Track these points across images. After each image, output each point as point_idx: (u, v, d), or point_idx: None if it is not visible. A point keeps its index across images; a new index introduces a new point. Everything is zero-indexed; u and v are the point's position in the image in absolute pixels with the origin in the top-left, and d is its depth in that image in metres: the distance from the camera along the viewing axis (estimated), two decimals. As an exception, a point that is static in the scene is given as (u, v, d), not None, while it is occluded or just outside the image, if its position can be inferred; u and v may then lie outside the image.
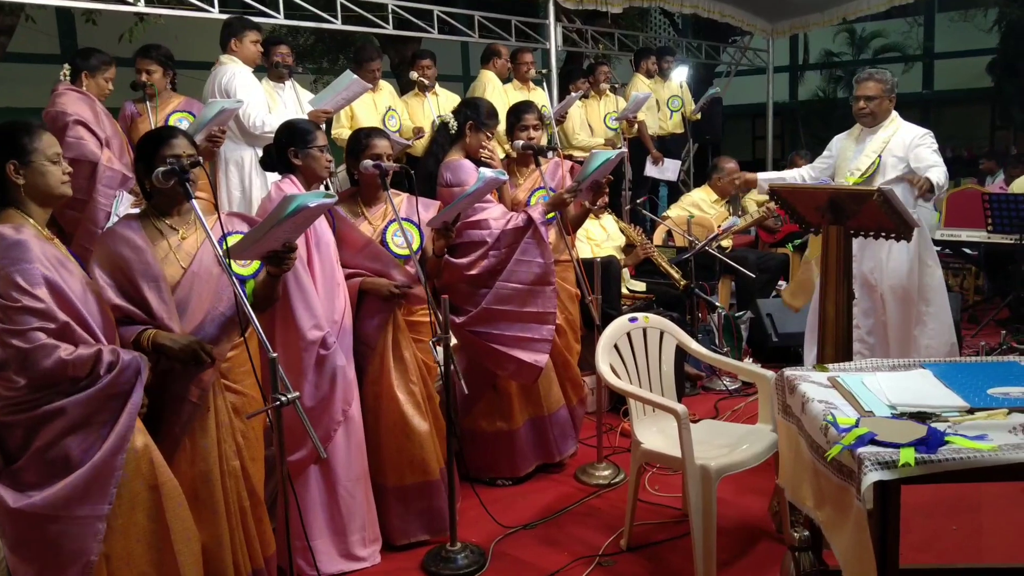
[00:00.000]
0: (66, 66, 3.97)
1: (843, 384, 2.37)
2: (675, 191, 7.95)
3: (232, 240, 2.30)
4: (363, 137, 3.08)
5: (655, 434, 3.15)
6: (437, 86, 5.90)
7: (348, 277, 3.00)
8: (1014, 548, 3.01)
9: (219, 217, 2.40)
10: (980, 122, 18.67)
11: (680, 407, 2.87)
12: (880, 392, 2.29)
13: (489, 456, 3.63)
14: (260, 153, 4.36)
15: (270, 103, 4.70)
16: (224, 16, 5.32)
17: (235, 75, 4.39)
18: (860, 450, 1.94)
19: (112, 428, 2.11)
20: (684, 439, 2.85)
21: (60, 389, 2.06)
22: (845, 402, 2.27)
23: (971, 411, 2.10)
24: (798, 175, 4.16)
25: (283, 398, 2.15)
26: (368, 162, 3.01)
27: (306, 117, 4.12)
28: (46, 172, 2.16)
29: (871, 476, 1.87)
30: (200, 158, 2.38)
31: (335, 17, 6.10)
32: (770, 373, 3.17)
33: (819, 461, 2.20)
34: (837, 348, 3.11)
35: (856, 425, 2.06)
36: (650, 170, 7.20)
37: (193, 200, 2.26)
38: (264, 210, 2.81)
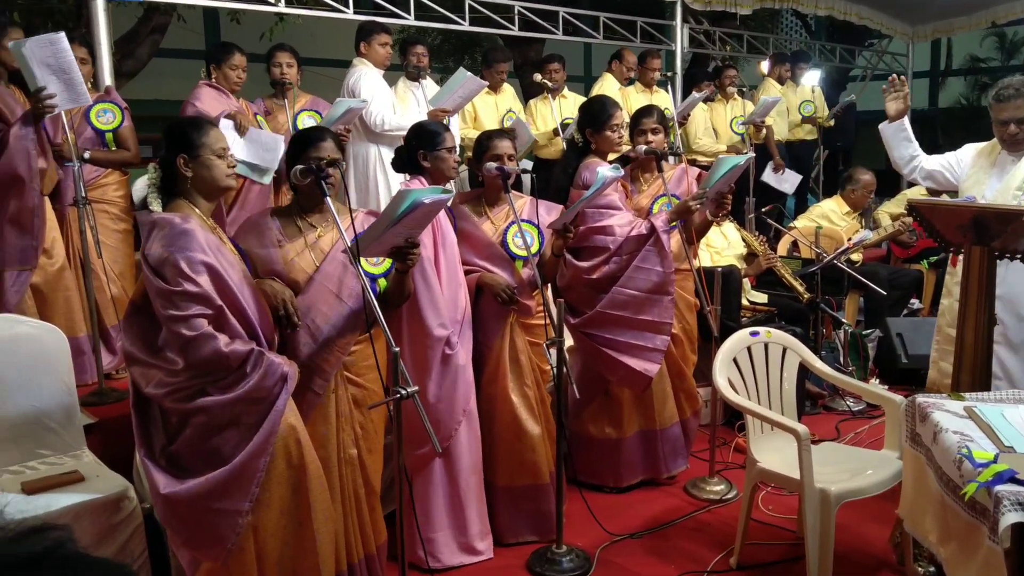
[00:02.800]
0: (204, 70, 4.23)
1: (981, 416, 2.24)
2: (803, 201, 7.67)
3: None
4: (487, 140, 3.12)
5: (772, 453, 3.05)
6: (565, 89, 5.91)
7: (466, 275, 3.05)
8: None
9: (351, 217, 2.49)
10: None
11: (801, 427, 2.77)
12: (1022, 426, 2.14)
13: (595, 462, 3.61)
14: (382, 150, 4.62)
15: (402, 103, 4.85)
16: (358, 17, 5.53)
17: (362, 76, 4.57)
18: (998, 488, 1.82)
19: (257, 430, 2.20)
20: (804, 461, 2.76)
21: (214, 378, 2.17)
22: (982, 435, 2.14)
23: None
24: (937, 163, 3.67)
25: (403, 391, 2.21)
26: (491, 164, 3.05)
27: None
28: (212, 166, 2.30)
29: (1010, 517, 1.76)
30: (335, 160, 2.47)
31: (463, 18, 6.21)
32: (899, 397, 3.03)
33: (948, 495, 2.08)
34: (975, 376, 2.92)
35: (994, 461, 1.94)
36: (768, 177, 6.97)
37: (328, 199, 2.36)
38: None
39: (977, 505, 1.90)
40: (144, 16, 6.45)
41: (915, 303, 6.06)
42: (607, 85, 6.13)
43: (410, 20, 5.96)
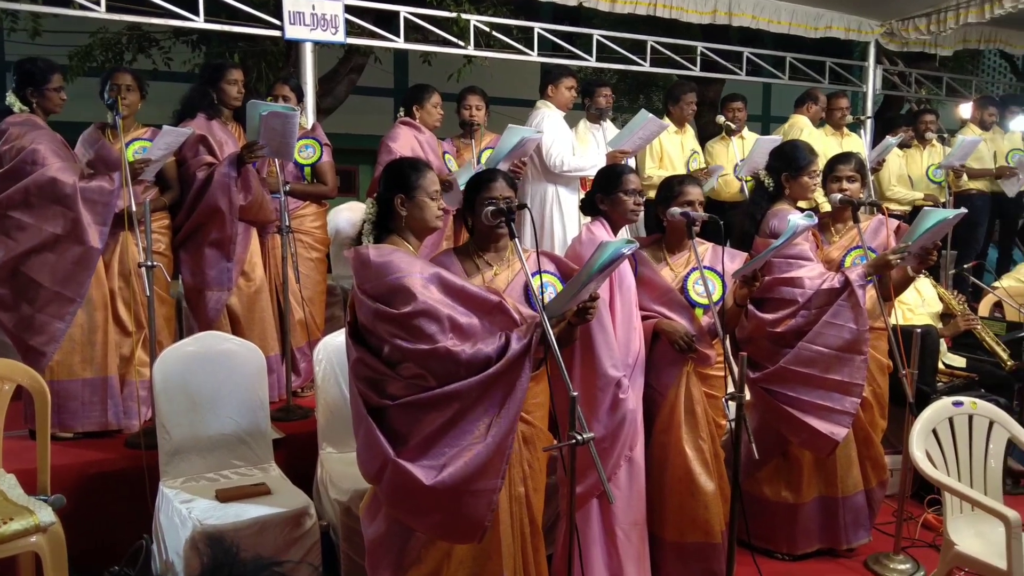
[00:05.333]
0: (401, 109, 4.44)
1: None
2: (1006, 257, 7.01)
3: (545, 278, 2.41)
4: (676, 184, 3.07)
5: (973, 537, 2.78)
6: (745, 130, 5.77)
7: (643, 319, 3.00)
8: None
9: (538, 254, 2.53)
10: None
11: (1012, 513, 2.51)
12: None
13: (768, 525, 3.41)
14: (560, 190, 4.68)
15: (582, 143, 4.90)
16: (542, 59, 5.67)
17: (544, 118, 4.67)
18: None
19: (503, 407, 2.28)
20: (1013, 550, 2.50)
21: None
22: None
23: None
24: None
25: (579, 437, 2.19)
26: (676, 209, 3.00)
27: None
28: (426, 207, 2.44)
29: None
30: (525, 203, 2.53)
31: (643, 59, 6.22)
32: None
33: None
34: None
35: None
36: (1011, 188, 6.34)
37: (516, 239, 2.41)
38: (575, 252, 2.91)
39: None
40: (344, 57, 6.93)
41: None
42: (801, 126, 5.91)
43: (592, 61, 6.05)
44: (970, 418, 2.98)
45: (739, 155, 5.50)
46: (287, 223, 3.73)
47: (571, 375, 2.74)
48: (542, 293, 2.51)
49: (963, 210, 3.16)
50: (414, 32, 5.60)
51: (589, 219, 3.09)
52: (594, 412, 2.76)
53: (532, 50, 5.75)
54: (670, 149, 5.46)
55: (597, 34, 6.05)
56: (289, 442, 3.52)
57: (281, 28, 4.80)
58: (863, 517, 3.44)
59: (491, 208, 2.49)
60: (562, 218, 4.60)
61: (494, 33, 5.76)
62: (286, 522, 2.77)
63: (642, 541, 2.94)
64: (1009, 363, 4.35)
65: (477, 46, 5.68)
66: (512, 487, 2.52)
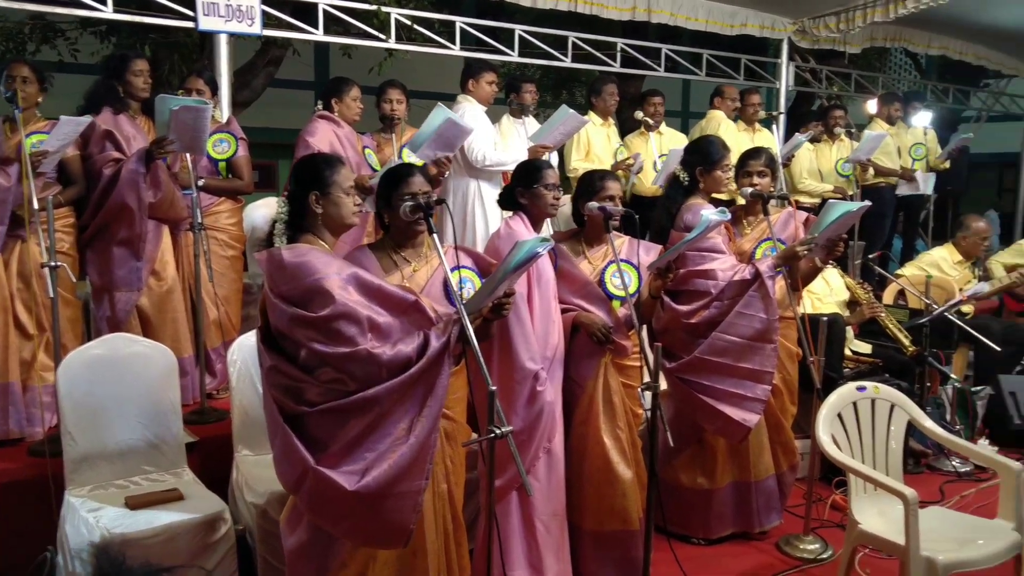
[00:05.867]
0: (319, 102, 4.36)
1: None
2: (909, 247, 7.35)
3: (463, 273, 2.41)
4: (597, 179, 3.11)
5: (875, 516, 2.90)
6: (663, 125, 5.88)
7: (563, 312, 3.04)
8: None
9: (456, 250, 2.53)
10: None
11: (909, 491, 2.64)
12: None
13: (684, 511, 3.51)
14: (481, 185, 4.68)
15: (504, 138, 4.91)
16: (464, 53, 5.65)
17: (466, 112, 4.66)
18: None
19: (424, 406, 2.26)
20: (911, 527, 2.62)
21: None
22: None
23: None
24: None
25: (497, 431, 2.20)
26: (594, 204, 3.04)
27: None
28: (341, 203, 2.38)
29: None
30: (443, 198, 2.52)
31: (565, 55, 6.27)
32: (1017, 464, 2.86)
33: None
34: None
35: None
36: (904, 189, 6.68)
37: (435, 235, 2.39)
38: (494, 247, 2.92)
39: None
40: (262, 49, 6.77)
41: (1031, 361, 5.69)
42: (718, 121, 6.06)
43: (514, 56, 6.05)
44: (873, 402, 3.11)
45: (657, 150, 5.61)
46: (200, 220, 3.62)
47: (490, 369, 2.74)
48: (461, 289, 2.51)
49: (867, 203, 3.30)
50: (334, 24, 5.51)
51: (510, 214, 3.10)
52: (512, 405, 2.78)
53: (454, 44, 5.73)
54: (596, 142, 5.53)
55: (519, 29, 6.07)
56: (203, 446, 3.43)
57: (194, 19, 4.65)
58: (775, 500, 3.56)
59: (409, 204, 2.46)
60: (484, 213, 4.61)
61: (416, 27, 5.71)
62: (199, 528, 2.70)
63: (562, 531, 2.97)
64: (911, 348, 4.57)
65: (399, 39, 5.62)
66: (435, 484, 2.51)
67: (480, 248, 3.77)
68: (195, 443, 3.39)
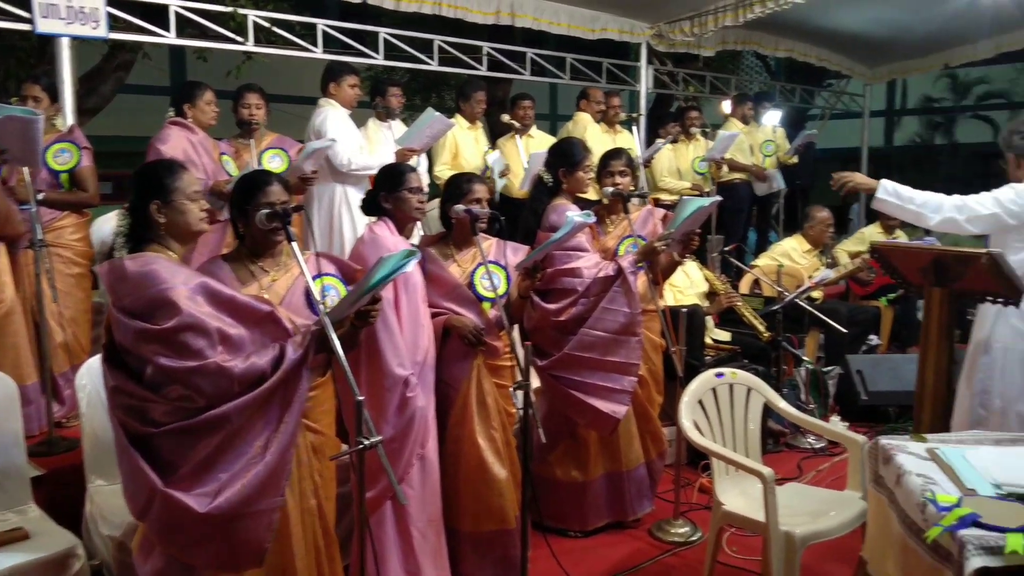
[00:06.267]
0: (171, 108, 4.17)
1: (943, 458, 2.26)
2: (764, 239, 7.79)
3: (326, 281, 2.36)
4: (464, 182, 3.13)
5: (738, 496, 3.05)
6: (533, 128, 5.96)
7: (433, 316, 3.03)
8: None
9: (316, 257, 2.47)
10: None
11: (767, 470, 2.78)
12: (984, 469, 2.16)
13: (560, 506, 3.58)
14: (348, 190, 4.60)
15: (371, 142, 4.84)
16: (327, 56, 5.54)
17: (327, 117, 4.57)
18: (962, 532, 1.84)
19: (280, 423, 2.19)
20: (769, 504, 2.76)
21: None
22: (945, 477, 2.16)
23: (1085, 496, 1.96)
24: (943, 203, 3.21)
25: (366, 441, 2.17)
26: (460, 207, 3.05)
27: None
28: (186, 210, 2.27)
29: (974, 561, 1.78)
30: (301, 205, 2.45)
31: (431, 58, 6.26)
32: (861, 437, 3.06)
33: (911, 538, 2.09)
34: (935, 417, 2.97)
35: (958, 504, 1.95)
36: (760, 189, 7.06)
37: (294, 243, 2.33)
38: (358, 253, 2.88)
39: (940, 549, 1.91)
40: (109, 53, 6.40)
41: (873, 339, 6.14)
42: (584, 124, 6.20)
43: (379, 60, 5.99)
44: (731, 387, 3.27)
45: (526, 154, 5.69)
46: (40, 236, 3.38)
47: (358, 378, 2.71)
48: (324, 297, 2.45)
49: (717, 197, 3.47)
50: (188, 27, 5.28)
51: (374, 219, 3.07)
52: (382, 413, 2.75)
53: (316, 47, 5.60)
54: (464, 146, 5.54)
55: (384, 32, 6.01)
56: (52, 478, 3.20)
57: (31, 21, 4.33)
58: (645, 488, 3.69)
59: (266, 212, 2.38)
60: (352, 218, 4.53)
61: (275, 29, 5.55)
62: (48, 567, 2.52)
63: (439, 537, 2.97)
64: (766, 334, 4.84)
65: (257, 42, 5.45)
66: (303, 500, 2.43)
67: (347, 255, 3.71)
68: (42, 476, 3.15)
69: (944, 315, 2.95)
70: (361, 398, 2.16)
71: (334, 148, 4.44)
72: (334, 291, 2.55)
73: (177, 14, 4.97)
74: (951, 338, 2.97)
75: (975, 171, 18.86)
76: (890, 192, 3.26)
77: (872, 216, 6.71)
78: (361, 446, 2.16)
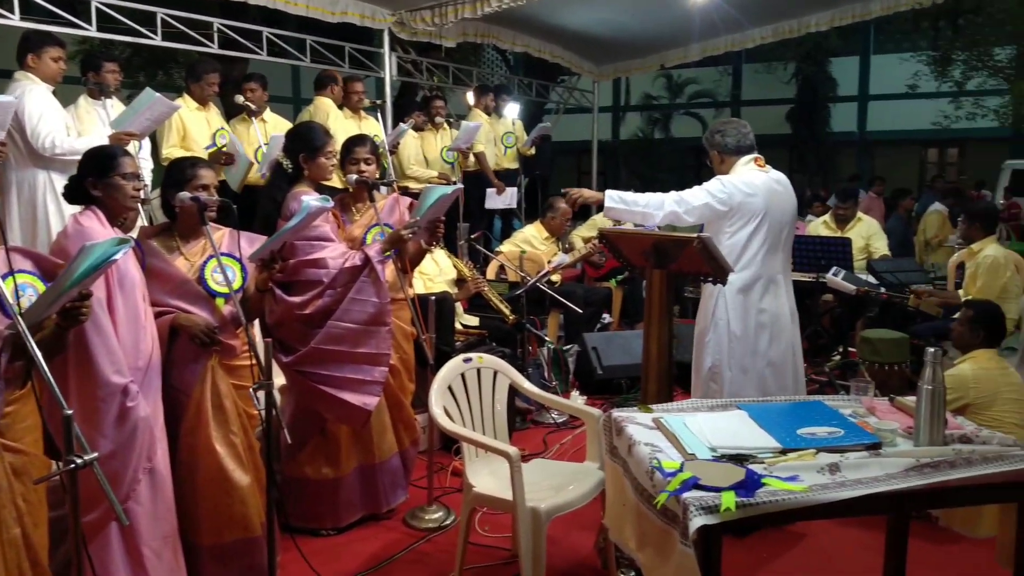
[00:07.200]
0: None
1: (667, 426, 2.45)
2: (508, 226, 8.08)
3: (20, 279, 2.05)
4: (187, 167, 2.87)
5: (487, 476, 3.12)
6: (267, 112, 5.67)
7: (158, 315, 2.77)
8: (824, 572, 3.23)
9: (7, 252, 2.13)
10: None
11: (512, 450, 2.86)
12: (701, 434, 2.38)
13: (312, 505, 3.46)
14: (53, 176, 4.07)
15: (82, 123, 4.31)
16: (25, 24, 4.85)
17: (27, 92, 4.02)
18: (685, 495, 2.00)
19: None
20: (516, 483, 2.84)
21: None
22: (669, 444, 2.35)
23: (783, 452, 2.23)
24: (664, 200, 3.51)
25: (79, 460, 1.92)
26: (185, 194, 2.80)
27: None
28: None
29: (696, 521, 1.93)
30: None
31: (155, 32, 5.72)
32: (597, 411, 3.25)
33: (643, 504, 2.25)
34: (660, 387, 3.24)
35: (680, 469, 2.13)
36: (492, 201, 7.27)
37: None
38: (60, 247, 2.52)
39: (669, 512, 2.07)
40: None
41: (606, 318, 6.64)
42: (326, 109, 5.99)
43: (92, 31, 5.35)
44: (479, 371, 3.33)
45: (261, 136, 5.41)
46: None
47: (66, 388, 2.40)
48: (19, 297, 2.13)
49: (460, 186, 3.52)
50: None
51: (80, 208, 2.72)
52: (98, 427, 2.45)
53: (13, 14, 4.88)
54: (193, 128, 5.15)
55: (96, 1, 5.38)
56: None
57: None
58: (400, 477, 3.67)
59: None
60: (59, 208, 4.01)
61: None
62: None
63: (175, 554, 2.72)
64: (511, 317, 5.02)
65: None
66: (4, 530, 2.13)
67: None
68: None
69: (664, 294, 3.22)
70: (69, 412, 1.90)
71: (35, 130, 3.91)
72: (31, 289, 2.24)
73: None
74: (671, 314, 3.25)
75: (689, 163, 21.11)
76: (616, 200, 3.55)
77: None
78: (72, 465, 1.91)
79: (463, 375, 3.28)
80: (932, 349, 2.31)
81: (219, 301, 2.89)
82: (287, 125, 5.68)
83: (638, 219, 3.60)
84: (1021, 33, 10.26)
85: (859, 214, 6.72)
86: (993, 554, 2.52)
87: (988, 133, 15.73)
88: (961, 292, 5.02)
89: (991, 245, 4.91)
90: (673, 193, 3.54)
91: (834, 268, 5.47)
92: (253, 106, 5.47)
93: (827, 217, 6.85)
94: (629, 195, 3.57)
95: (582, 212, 8.65)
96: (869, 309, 5.91)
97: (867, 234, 6.53)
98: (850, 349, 5.69)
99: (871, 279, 5.67)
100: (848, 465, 2.14)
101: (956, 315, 3.94)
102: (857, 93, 19.82)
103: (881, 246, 6.50)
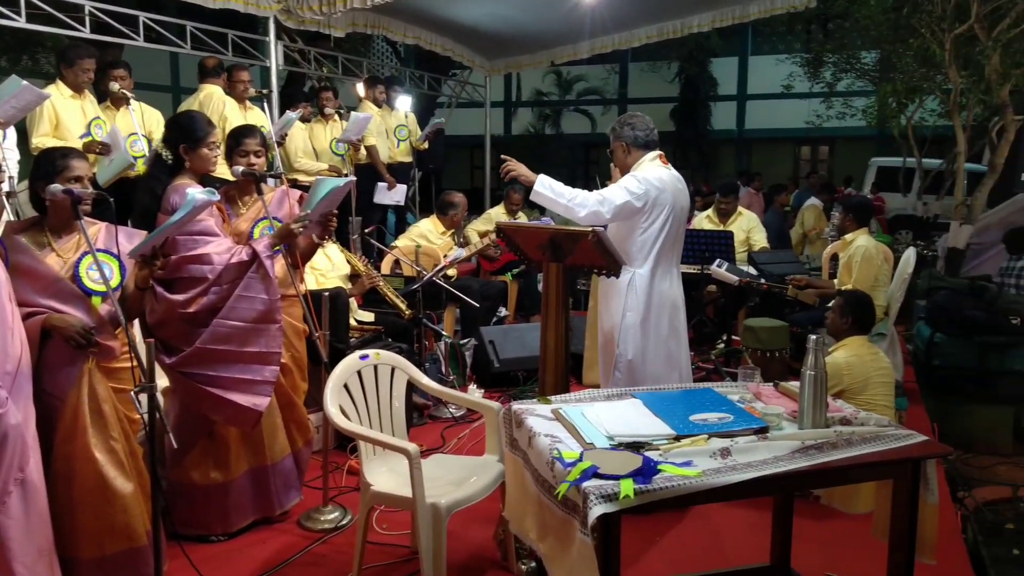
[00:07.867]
0: None
1: (565, 416, 2.48)
2: (402, 220, 7.99)
3: None
4: (59, 158, 2.68)
5: (386, 474, 3.08)
6: (140, 102, 5.39)
7: (28, 316, 2.58)
8: (713, 555, 3.35)
9: None
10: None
11: (412, 447, 2.83)
12: (599, 423, 2.42)
13: (200, 511, 3.30)
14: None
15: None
16: None
17: None
18: (585, 484, 2.02)
19: None
20: (416, 480, 2.81)
21: None
22: (568, 435, 2.37)
23: (678, 438, 2.30)
24: (588, 199, 3.57)
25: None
26: (57, 187, 2.62)
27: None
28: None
29: (596, 510, 1.96)
30: None
31: (18, 13, 5.33)
32: (496, 404, 3.26)
33: (544, 494, 2.27)
34: (557, 378, 3.28)
35: (580, 459, 2.15)
36: (381, 196, 7.16)
37: None
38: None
39: (569, 502, 2.09)
40: None
41: (502, 311, 6.67)
42: (220, 97, 5.75)
43: (-56, 11, 4.94)
44: (375, 368, 3.28)
45: (138, 125, 5.14)
46: None
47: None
48: None
49: (352, 178, 3.44)
50: None
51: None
52: (-39, 437, 2.27)
53: None
54: (67, 116, 4.83)
55: (-56, -24, 4.98)
56: None
57: None
58: (293, 479, 3.56)
59: None
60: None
61: None
62: None
63: (51, 570, 2.54)
64: (407, 312, 4.97)
65: None
66: None
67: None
68: None
69: (560, 287, 3.26)
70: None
71: None
72: None
73: None
74: (568, 306, 3.29)
75: (578, 159, 21.51)
76: (546, 187, 3.60)
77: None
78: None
79: (360, 372, 3.21)
80: (814, 336, 2.42)
81: (96, 300, 2.73)
82: (156, 114, 5.45)
83: (561, 210, 3.65)
84: (884, 38, 10.93)
85: (740, 208, 7.01)
86: (870, 528, 2.68)
87: (856, 132, 16.76)
88: (836, 282, 5.31)
89: (862, 236, 5.20)
90: (596, 193, 3.63)
91: (718, 260, 5.69)
92: (131, 94, 5.18)
93: (710, 211, 7.11)
94: (558, 185, 3.64)
95: (476, 206, 8.68)
96: (750, 299, 6.19)
97: (747, 227, 6.82)
98: (733, 337, 5.93)
99: (752, 270, 5.92)
100: (738, 449, 2.23)
101: (830, 304, 4.17)
102: (736, 93, 20.71)
103: (761, 239, 6.80)
